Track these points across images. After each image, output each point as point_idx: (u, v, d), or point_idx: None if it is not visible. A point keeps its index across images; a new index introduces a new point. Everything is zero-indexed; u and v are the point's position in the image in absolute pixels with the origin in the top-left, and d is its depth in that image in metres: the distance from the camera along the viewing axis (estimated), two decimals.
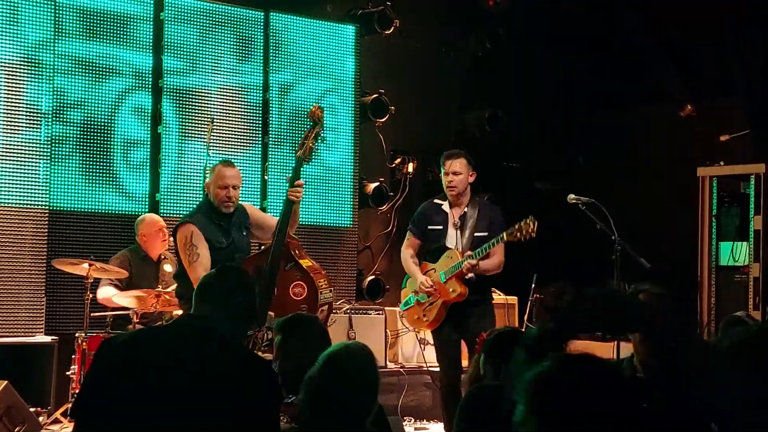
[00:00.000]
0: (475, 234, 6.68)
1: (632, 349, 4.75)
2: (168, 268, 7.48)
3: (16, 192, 7.45)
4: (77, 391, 6.25)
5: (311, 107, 6.42)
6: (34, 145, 7.55)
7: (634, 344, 4.72)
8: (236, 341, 3.66)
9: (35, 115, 7.56)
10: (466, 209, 6.77)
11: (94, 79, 7.87)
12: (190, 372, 3.31)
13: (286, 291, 6.08)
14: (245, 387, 3.31)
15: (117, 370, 3.35)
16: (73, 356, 6.89)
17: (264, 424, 3.34)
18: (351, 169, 9.16)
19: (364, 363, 3.34)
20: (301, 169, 6.21)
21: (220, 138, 8.27)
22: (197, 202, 7.55)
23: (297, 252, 6.23)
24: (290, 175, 6.25)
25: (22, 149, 7.49)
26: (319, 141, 6.30)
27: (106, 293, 7.16)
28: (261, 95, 8.74)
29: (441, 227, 6.79)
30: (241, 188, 6.20)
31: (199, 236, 5.88)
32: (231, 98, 8.52)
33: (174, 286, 6.93)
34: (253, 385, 3.35)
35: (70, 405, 6.68)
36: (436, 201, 6.92)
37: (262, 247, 6.33)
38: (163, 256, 7.48)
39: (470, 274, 6.57)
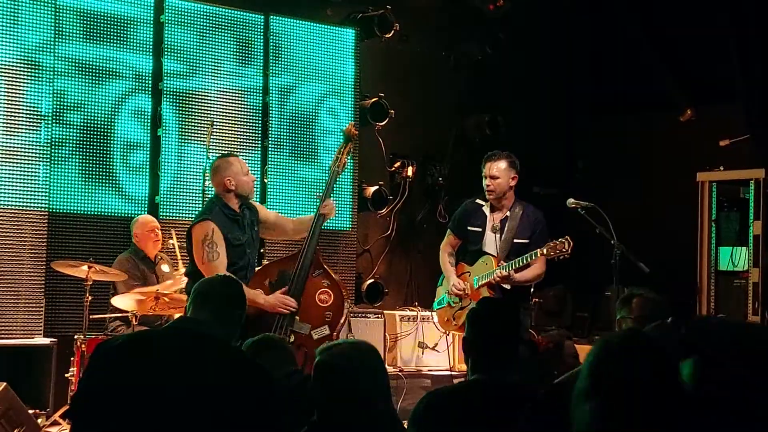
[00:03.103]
0: (515, 240, 6.50)
1: None
2: (165, 268, 7.53)
3: (16, 194, 7.46)
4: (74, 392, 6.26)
5: (347, 124, 6.44)
6: (34, 147, 7.56)
7: None
8: (233, 346, 3.66)
9: (35, 117, 7.57)
10: (508, 213, 6.56)
11: (94, 81, 7.88)
12: (187, 376, 3.30)
13: (313, 297, 6.12)
14: (241, 392, 3.30)
15: (113, 372, 3.34)
16: (72, 358, 6.90)
17: (260, 429, 3.33)
18: (350, 172, 9.15)
19: (351, 365, 3.25)
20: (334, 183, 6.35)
21: (220, 141, 8.27)
22: (197, 205, 7.59)
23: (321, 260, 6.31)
24: (322, 190, 6.33)
25: (21, 151, 7.49)
26: (350, 157, 6.36)
27: (115, 301, 7.19)
28: (261, 98, 8.74)
29: (480, 229, 6.61)
30: None
31: (219, 235, 5.80)
32: (231, 101, 8.53)
33: (174, 286, 6.96)
34: (250, 389, 3.34)
35: (69, 407, 6.68)
36: (477, 201, 6.72)
37: (290, 254, 6.34)
38: (159, 257, 7.52)
39: (505, 284, 6.43)
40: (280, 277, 6.04)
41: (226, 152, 6.42)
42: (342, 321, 6.20)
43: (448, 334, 7.53)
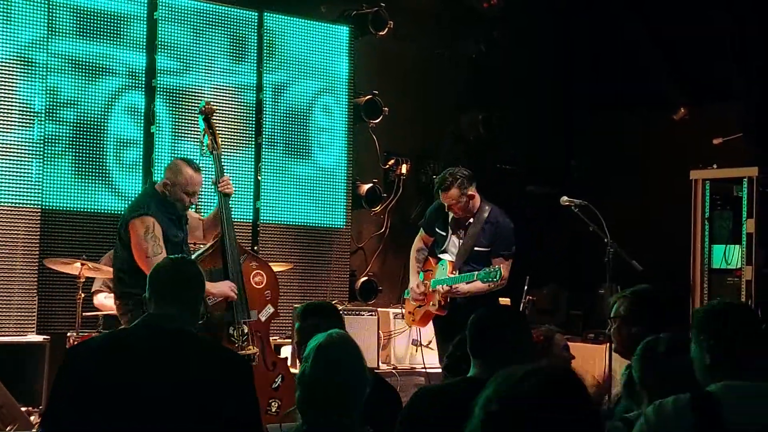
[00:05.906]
0: (475, 248, 6.61)
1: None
2: None
3: (9, 191, 7.43)
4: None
5: (203, 105, 6.58)
6: (27, 144, 7.54)
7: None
8: (211, 340, 3.65)
9: (28, 114, 7.55)
10: (471, 220, 6.70)
11: (87, 78, 7.86)
12: (171, 374, 3.27)
13: (249, 283, 6.31)
14: (226, 386, 3.29)
15: (89, 378, 3.25)
16: None
17: (247, 421, 3.32)
18: (344, 170, 9.15)
19: (350, 351, 3.21)
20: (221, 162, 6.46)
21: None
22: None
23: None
24: (214, 175, 6.41)
25: (14, 148, 7.47)
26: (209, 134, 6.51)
27: (98, 300, 7.19)
28: (255, 95, 8.73)
29: (445, 233, 6.78)
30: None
31: (159, 230, 5.90)
32: (224, 98, 8.51)
33: None
34: (234, 383, 3.33)
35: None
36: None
37: (210, 250, 6.31)
38: None
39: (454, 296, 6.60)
40: (211, 277, 5.96)
41: (189, 159, 6.38)
42: (279, 294, 6.46)
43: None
